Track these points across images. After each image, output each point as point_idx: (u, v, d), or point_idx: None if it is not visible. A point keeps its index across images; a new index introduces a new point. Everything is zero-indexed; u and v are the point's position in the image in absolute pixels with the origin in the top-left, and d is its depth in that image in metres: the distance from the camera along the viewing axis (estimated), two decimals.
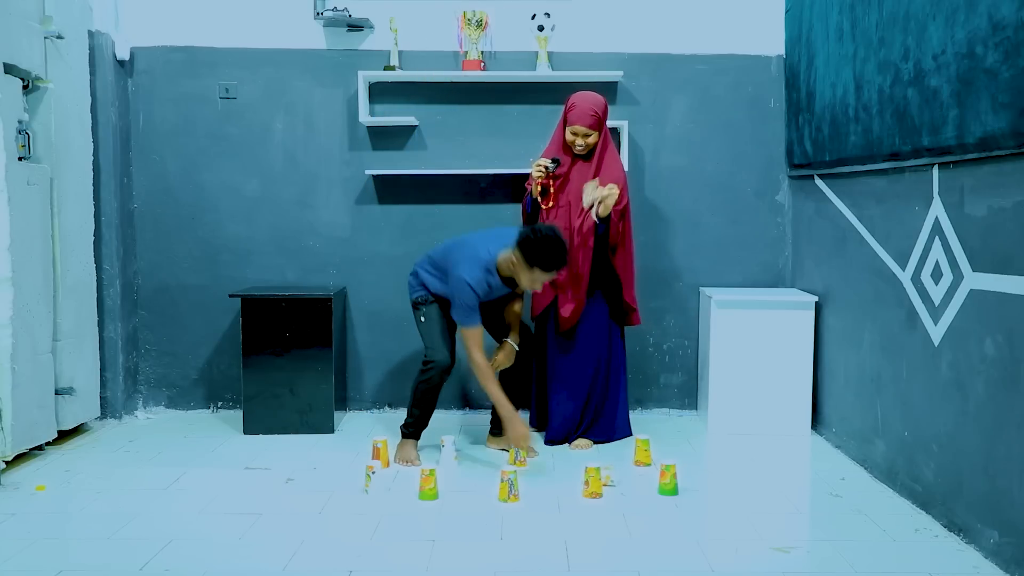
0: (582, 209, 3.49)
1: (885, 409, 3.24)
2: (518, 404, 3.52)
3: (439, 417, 4.14)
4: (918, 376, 2.98)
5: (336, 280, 4.27)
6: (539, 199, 3.61)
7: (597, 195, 3.40)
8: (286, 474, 3.33)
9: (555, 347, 3.70)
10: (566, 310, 3.59)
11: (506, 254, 3.29)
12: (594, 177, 3.55)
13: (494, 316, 3.61)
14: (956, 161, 2.72)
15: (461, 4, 4.11)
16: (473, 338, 3.32)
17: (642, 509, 2.96)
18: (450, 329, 3.51)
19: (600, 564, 2.53)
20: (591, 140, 3.56)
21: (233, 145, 4.23)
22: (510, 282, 3.39)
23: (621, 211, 3.54)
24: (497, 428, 3.67)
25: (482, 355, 3.32)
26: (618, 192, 3.41)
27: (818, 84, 3.75)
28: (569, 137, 3.58)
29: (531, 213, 3.70)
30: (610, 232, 3.54)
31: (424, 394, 3.47)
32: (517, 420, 3.35)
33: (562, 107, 3.64)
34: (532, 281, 3.27)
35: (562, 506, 2.99)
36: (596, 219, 3.45)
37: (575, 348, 3.67)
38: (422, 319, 3.50)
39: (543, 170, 3.54)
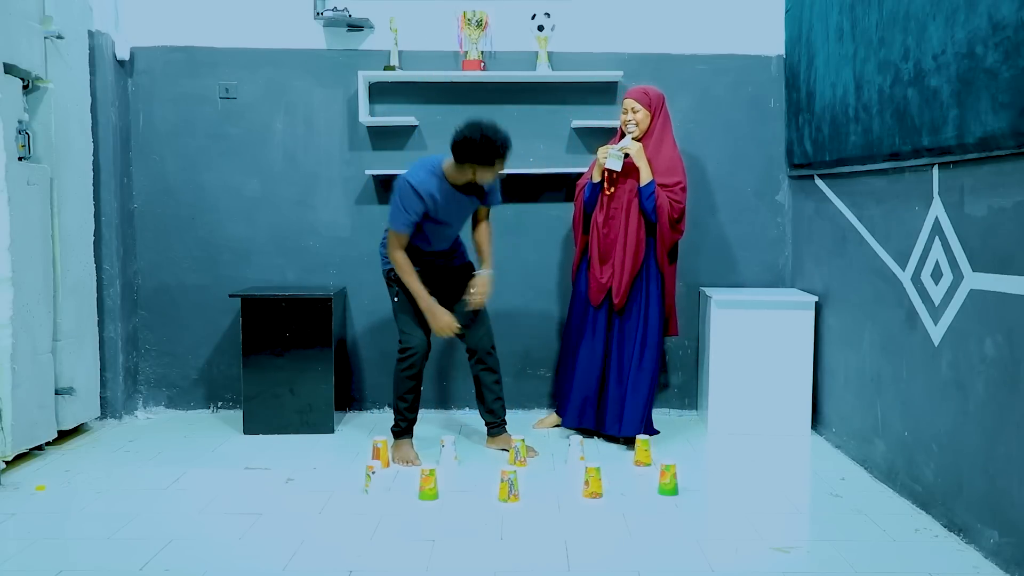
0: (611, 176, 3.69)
1: (885, 409, 3.24)
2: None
3: (438, 417, 4.16)
4: (918, 376, 2.98)
5: (336, 280, 4.27)
6: (604, 183, 3.72)
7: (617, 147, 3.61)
8: (286, 474, 3.33)
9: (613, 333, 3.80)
10: (613, 285, 3.69)
11: (450, 159, 3.26)
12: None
13: (449, 287, 3.53)
14: (956, 161, 2.72)
15: (461, 4, 4.11)
16: (399, 241, 3.32)
17: (642, 509, 2.96)
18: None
19: (600, 564, 2.53)
20: (639, 116, 3.67)
21: (233, 145, 4.23)
22: (467, 188, 3.34)
23: (676, 218, 3.68)
24: (495, 428, 3.67)
25: (403, 254, 3.34)
26: (636, 147, 3.60)
27: (818, 84, 3.75)
28: (621, 117, 3.72)
29: (589, 198, 3.76)
30: (658, 224, 3.64)
31: (407, 381, 3.46)
32: (438, 309, 3.37)
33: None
34: (480, 178, 3.24)
35: (562, 506, 2.99)
36: (607, 168, 3.63)
37: (625, 333, 3.76)
38: (395, 298, 3.51)
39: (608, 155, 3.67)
